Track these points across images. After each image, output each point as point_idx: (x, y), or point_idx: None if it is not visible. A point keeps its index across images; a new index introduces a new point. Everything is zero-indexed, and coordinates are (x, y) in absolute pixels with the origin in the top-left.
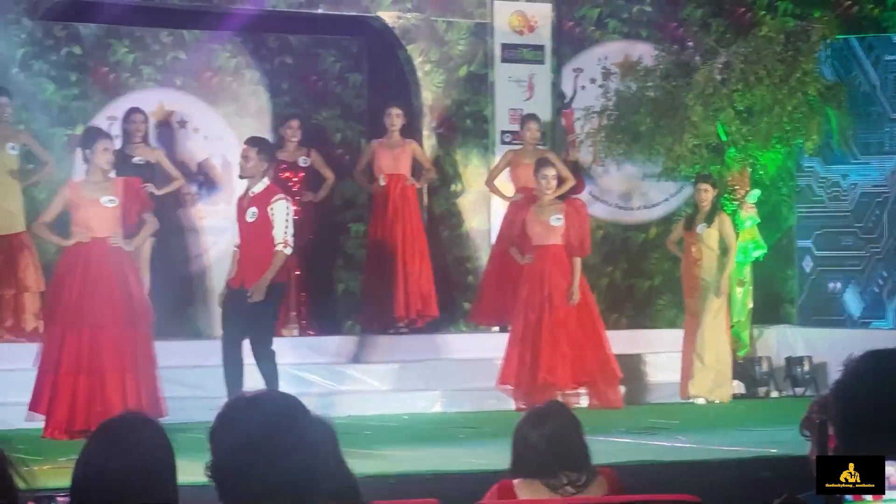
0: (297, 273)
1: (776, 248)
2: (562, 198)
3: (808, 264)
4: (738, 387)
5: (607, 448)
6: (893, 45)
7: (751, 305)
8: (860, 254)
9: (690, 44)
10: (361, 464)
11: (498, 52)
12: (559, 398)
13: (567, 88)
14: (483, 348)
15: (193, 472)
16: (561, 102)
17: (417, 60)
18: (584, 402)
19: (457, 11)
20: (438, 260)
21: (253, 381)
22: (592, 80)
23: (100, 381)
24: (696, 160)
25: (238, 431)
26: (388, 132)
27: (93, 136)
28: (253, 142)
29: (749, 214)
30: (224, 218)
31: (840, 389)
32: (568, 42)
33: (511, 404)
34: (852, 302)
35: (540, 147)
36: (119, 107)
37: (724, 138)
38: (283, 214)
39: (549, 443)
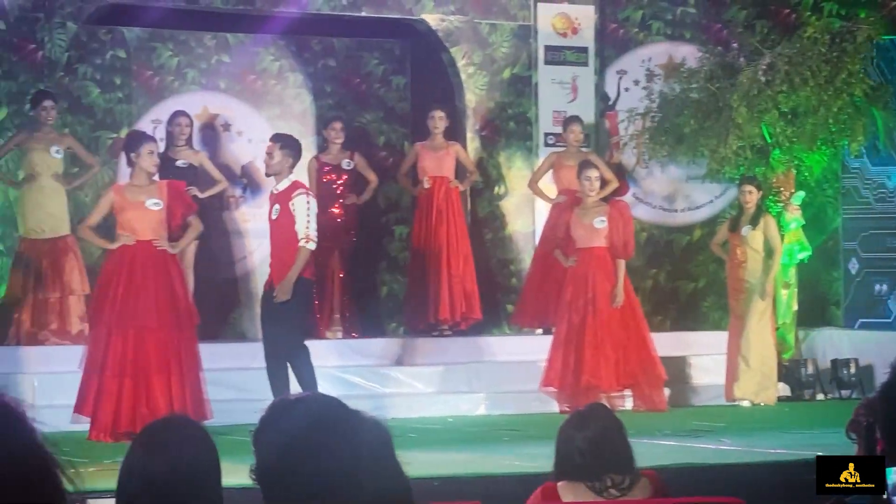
0: (341, 276)
1: (821, 250)
2: (605, 200)
3: (853, 266)
4: (784, 389)
5: (652, 451)
6: None
7: (796, 308)
8: None
9: (735, 45)
10: (405, 466)
11: (541, 54)
12: (603, 401)
13: (610, 90)
14: (527, 351)
15: (238, 475)
16: (604, 104)
17: (461, 63)
18: (628, 404)
19: (500, 14)
20: (482, 262)
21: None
22: (636, 82)
23: (144, 384)
24: (740, 162)
25: (281, 434)
26: (431, 134)
27: (138, 139)
28: (277, 138)
29: (794, 216)
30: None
31: (887, 391)
32: (611, 44)
33: (554, 407)
34: None
35: (583, 149)
36: (163, 110)
37: (768, 140)
38: (303, 208)
39: (592, 445)
